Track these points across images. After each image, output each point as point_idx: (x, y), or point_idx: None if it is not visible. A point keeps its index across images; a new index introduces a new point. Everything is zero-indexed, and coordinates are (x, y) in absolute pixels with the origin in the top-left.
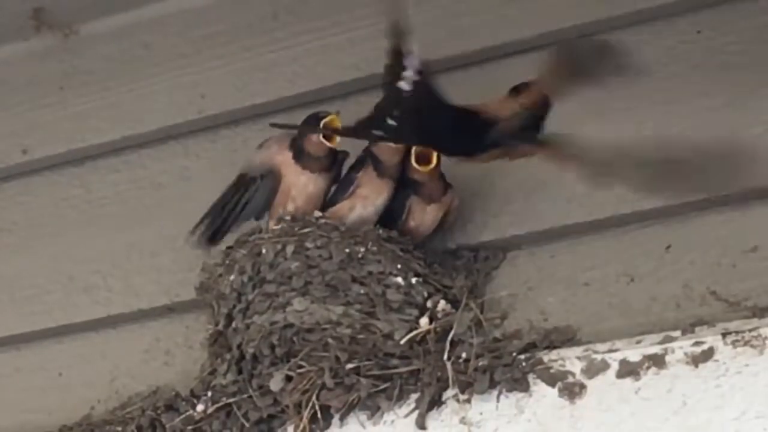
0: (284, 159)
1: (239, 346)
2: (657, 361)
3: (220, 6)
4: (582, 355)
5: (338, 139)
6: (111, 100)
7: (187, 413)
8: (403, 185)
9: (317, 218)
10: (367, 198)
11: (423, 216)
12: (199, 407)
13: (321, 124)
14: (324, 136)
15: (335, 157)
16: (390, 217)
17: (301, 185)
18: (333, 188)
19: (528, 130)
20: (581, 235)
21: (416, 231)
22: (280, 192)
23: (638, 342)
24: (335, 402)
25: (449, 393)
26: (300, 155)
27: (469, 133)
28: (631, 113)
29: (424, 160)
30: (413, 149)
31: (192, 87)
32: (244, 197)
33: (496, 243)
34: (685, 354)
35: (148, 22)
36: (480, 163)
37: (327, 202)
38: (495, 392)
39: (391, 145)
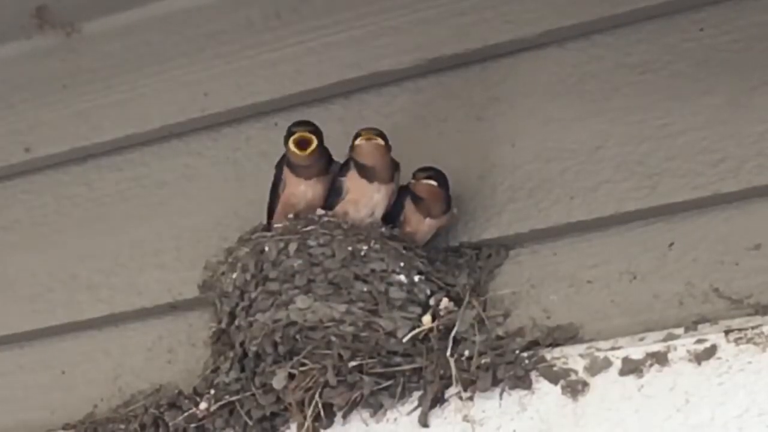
0: (286, 171)
1: (242, 344)
2: (660, 358)
3: (222, 4)
4: (585, 353)
5: (314, 144)
6: (114, 99)
7: (190, 411)
8: (403, 192)
9: (320, 216)
10: (358, 202)
11: (419, 226)
12: (202, 405)
13: (291, 137)
14: (297, 146)
15: (328, 160)
16: (392, 219)
17: (300, 193)
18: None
19: None
20: (584, 233)
21: (413, 237)
22: (282, 201)
23: (641, 339)
24: (338, 400)
25: (452, 390)
26: (292, 167)
27: None
28: (633, 111)
29: (303, 145)
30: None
31: (195, 85)
32: None
33: (499, 241)
34: (688, 351)
35: (151, 20)
36: None
37: (325, 207)
38: (498, 390)
39: (370, 147)
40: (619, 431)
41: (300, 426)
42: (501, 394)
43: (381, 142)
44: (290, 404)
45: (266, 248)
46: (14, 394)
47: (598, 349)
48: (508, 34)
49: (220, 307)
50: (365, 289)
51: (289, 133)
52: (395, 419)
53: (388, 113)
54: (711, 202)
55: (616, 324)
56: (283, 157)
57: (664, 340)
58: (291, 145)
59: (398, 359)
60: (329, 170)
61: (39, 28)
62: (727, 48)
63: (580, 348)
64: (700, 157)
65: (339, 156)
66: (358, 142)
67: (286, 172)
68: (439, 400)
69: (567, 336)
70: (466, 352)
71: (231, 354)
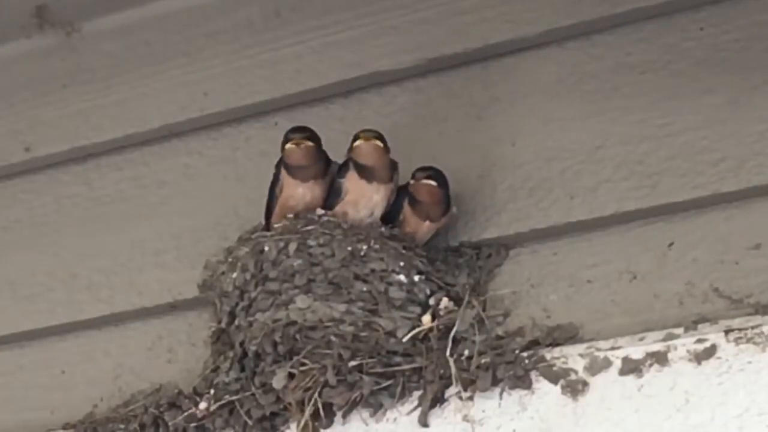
0: (283, 174)
1: (242, 344)
2: (659, 358)
3: (222, 4)
4: (585, 353)
5: (308, 142)
6: (113, 98)
7: (190, 411)
8: (402, 192)
9: (320, 216)
10: (357, 202)
11: (418, 227)
12: (202, 405)
13: (288, 143)
14: (293, 144)
15: (326, 163)
16: (391, 218)
17: (299, 196)
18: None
19: None
20: (584, 233)
21: (412, 237)
22: (280, 203)
23: (641, 339)
24: (338, 399)
25: (452, 390)
26: (289, 169)
27: None
28: (633, 111)
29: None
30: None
31: (194, 85)
32: None
33: (499, 240)
34: (688, 351)
35: (151, 20)
36: None
37: (324, 208)
38: (498, 390)
39: (369, 148)
40: (619, 431)
41: (300, 425)
42: (501, 394)
43: (380, 143)
44: (290, 404)
45: (266, 248)
46: (14, 394)
47: (598, 349)
48: (509, 33)
49: (220, 306)
50: (365, 289)
51: (286, 140)
52: (395, 419)
53: (388, 113)
54: (711, 201)
55: (616, 324)
56: (281, 159)
57: (664, 339)
58: (287, 146)
59: (398, 359)
60: (327, 173)
61: (39, 27)
62: (727, 47)
63: (580, 348)
64: (700, 156)
65: (338, 155)
66: (357, 143)
67: (284, 174)
68: (439, 400)
69: (567, 336)
70: (466, 352)
71: (231, 354)
